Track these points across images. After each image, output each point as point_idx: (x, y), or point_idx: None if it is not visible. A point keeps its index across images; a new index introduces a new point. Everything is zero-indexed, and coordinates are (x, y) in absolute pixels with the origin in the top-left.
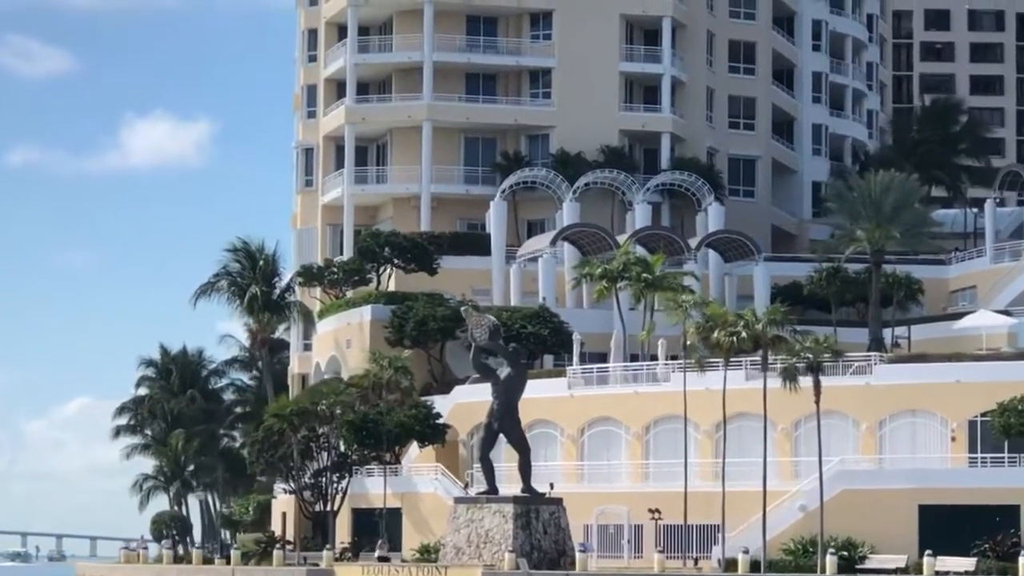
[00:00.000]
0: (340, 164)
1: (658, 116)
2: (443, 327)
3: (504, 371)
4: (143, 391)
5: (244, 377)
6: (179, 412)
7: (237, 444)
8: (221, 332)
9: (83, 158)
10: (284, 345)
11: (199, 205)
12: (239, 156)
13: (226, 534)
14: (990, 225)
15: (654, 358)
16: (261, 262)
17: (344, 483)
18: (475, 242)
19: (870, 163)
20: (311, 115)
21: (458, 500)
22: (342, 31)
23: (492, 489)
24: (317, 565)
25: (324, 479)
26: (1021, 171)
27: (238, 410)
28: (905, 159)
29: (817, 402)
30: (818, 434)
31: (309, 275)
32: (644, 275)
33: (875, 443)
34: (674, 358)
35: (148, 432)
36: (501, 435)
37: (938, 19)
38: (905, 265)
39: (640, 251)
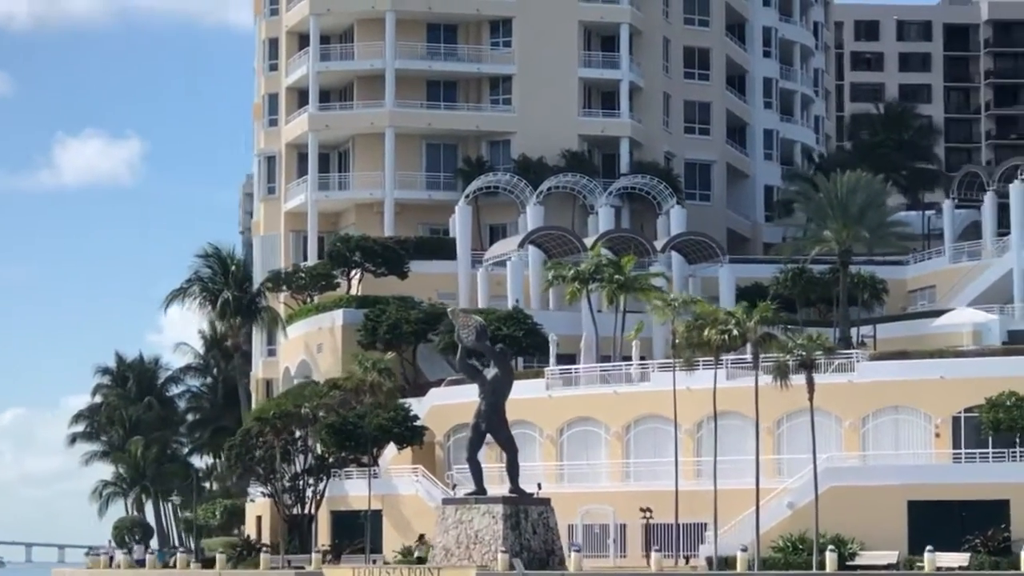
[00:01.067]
0: (303, 171)
1: (617, 121)
2: (416, 330)
3: (491, 372)
4: (99, 398)
5: (197, 383)
6: (137, 419)
7: (186, 451)
8: (174, 340)
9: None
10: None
11: (134, 220)
12: (175, 172)
13: (188, 539)
14: (948, 226)
15: (626, 359)
16: (233, 267)
17: (322, 486)
18: (439, 247)
19: (826, 165)
20: (273, 123)
21: (446, 501)
22: (303, 40)
23: (480, 490)
24: (303, 568)
25: (301, 482)
26: (980, 172)
27: (189, 417)
28: (862, 162)
29: (811, 399)
30: (812, 431)
31: (277, 280)
32: (616, 276)
33: (858, 440)
34: (643, 358)
35: (104, 439)
36: (488, 436)
37: (868, 30)
38: (867, 266)
39: (606, 254)
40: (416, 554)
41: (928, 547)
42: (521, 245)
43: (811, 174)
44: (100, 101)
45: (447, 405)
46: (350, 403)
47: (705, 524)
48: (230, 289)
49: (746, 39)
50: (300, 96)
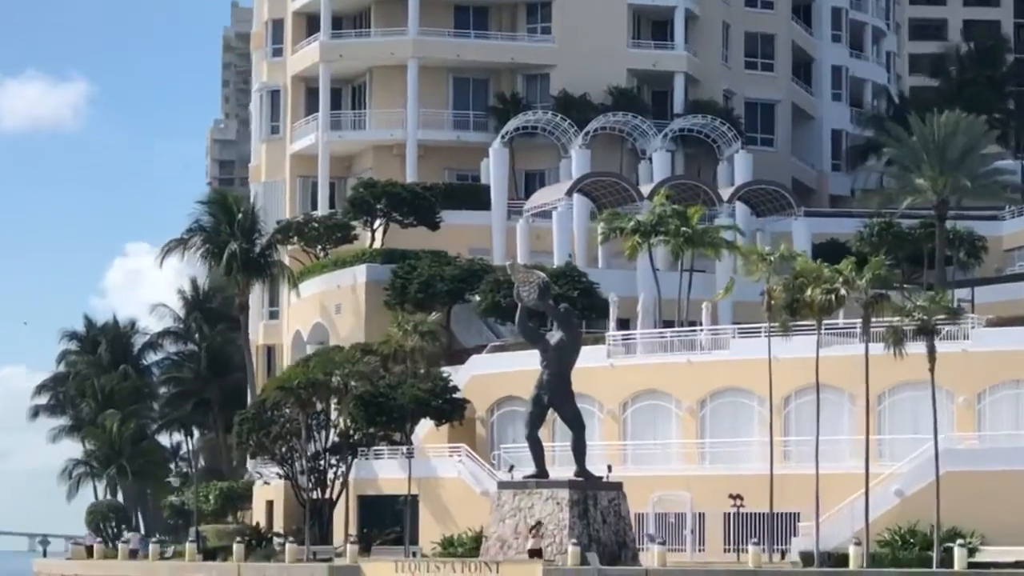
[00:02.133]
0: (311, 109)
1: (671, 54)
2: (451, 289)
3: (555, 336)
4: (64, 368)
5: (175, 351)
6: (110, 390)
7: (154, 427)
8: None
9: None
10: (222, 316)
11: (77, 169)
12: (126, 116)
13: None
14: None
15: (691, 324)
16: (240, 216)
17: (344, 467)
18: (469, 195)
19: (907, 107)
20: (277, 53)
21: (502, 485)
22: None
23: (541, 472)
24: (331, 560)
25: (323, 462)
26: None
27: (163, 391)
28: (950, 103)
29: (932, 370)
30: (933, 407)
31: (287, 231)
32: (684, 229)
33: (974, 418)
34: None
35: (72, 412)
36: (552, 410)
37: None
38: (960, 221)
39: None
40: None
41: None
42: (570, 192)
43: (889, 116)
44: (41, 40)
45: (489, 375)
46: (380, 372)
47: (797, 514)
48: (237, 240)
49: None
50: (308, 23)
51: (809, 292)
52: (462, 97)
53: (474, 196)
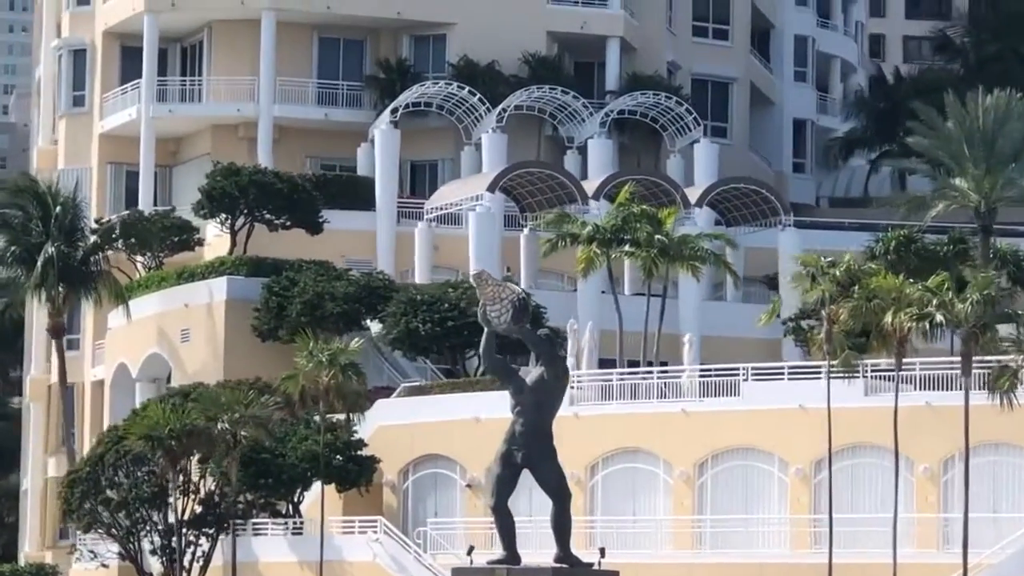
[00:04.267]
0: (130, 74)
1: (604, 14)
2: (345, 311)
3: (533, 372)
4: None
5: None
6: None
7: None
8: None
9: None
10: None
11: None
12: None
13: None
14: None
15: (662, 364)
16: (58, 210)
17: (208, 544)
18: (345, 190)
19: (916, 86)
20: (84, 1)
21: (458, 573)
22: None
23: (511, 556)
24: None
25: (180, 538)
26: None
27: None
28: (968, 84)
29: None
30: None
31: (109, 233)
32: (657, 237)
33: None
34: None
35: None
36: (526, 471)
37: None
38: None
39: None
40: None
41: None
42: (492, 188)
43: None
44: None
45: (401, 427)
46: (284, 418)
47: None
48: (55, 242)
49: None
50: None
51: (890, 318)
52: (330, 64)
53: (349, 192)
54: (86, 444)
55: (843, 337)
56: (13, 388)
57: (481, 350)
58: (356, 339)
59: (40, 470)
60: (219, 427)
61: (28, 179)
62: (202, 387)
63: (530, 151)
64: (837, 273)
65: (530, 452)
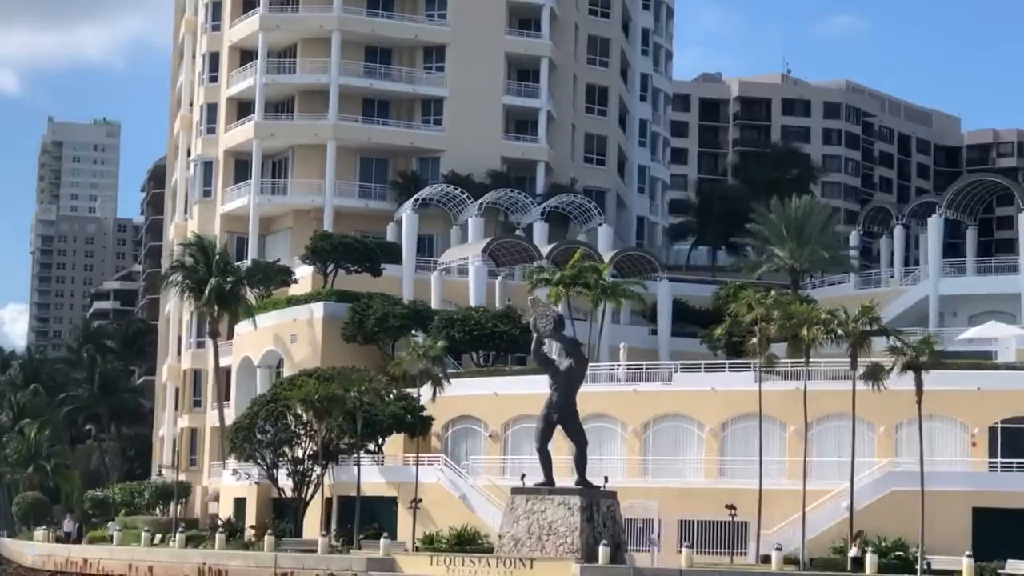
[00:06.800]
0: (240, 177)
1: (535, 146)
2: (402, 324)
3: (564, 362)
4: None
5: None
6: (25, 403)
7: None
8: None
9: None
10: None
11: None
12: None
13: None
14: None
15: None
16: (216, 257)
17: (320, 471)
18: (384, 252)
19: (723, 195)
20: (211, 131)
21: (516, 491)
22: (244, 55)
23: (549, 481)
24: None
25: (303, 467)
26: (888, 207)
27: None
28: (756, 196)
29: (919, 402)
30: (919, 437)
31: (252, 273)
32: (601, 281)
33: (892, 446)
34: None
35: None
36: (559, 428)
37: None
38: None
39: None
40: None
41: None
42: (486, 251)
43: (697, 204)
44: None
45: (445, 398)
46: (391, 390)
47: (746, 523)
48: (215, 277)
49: (627, 83)
50: (239, 107)
51: (806, 331)
52: (366, 173)
53: (384, 252)
54: (209, 408)
55: (767, 342)
56: (133, 374)
57: (531, 348)
58: (440, 341)
59: (171, 424)
60: (352, 395)
61: (196, 237)
62: (305, 373)
63: (491, 230)
64: (767, 302)
65: (562, 413)
